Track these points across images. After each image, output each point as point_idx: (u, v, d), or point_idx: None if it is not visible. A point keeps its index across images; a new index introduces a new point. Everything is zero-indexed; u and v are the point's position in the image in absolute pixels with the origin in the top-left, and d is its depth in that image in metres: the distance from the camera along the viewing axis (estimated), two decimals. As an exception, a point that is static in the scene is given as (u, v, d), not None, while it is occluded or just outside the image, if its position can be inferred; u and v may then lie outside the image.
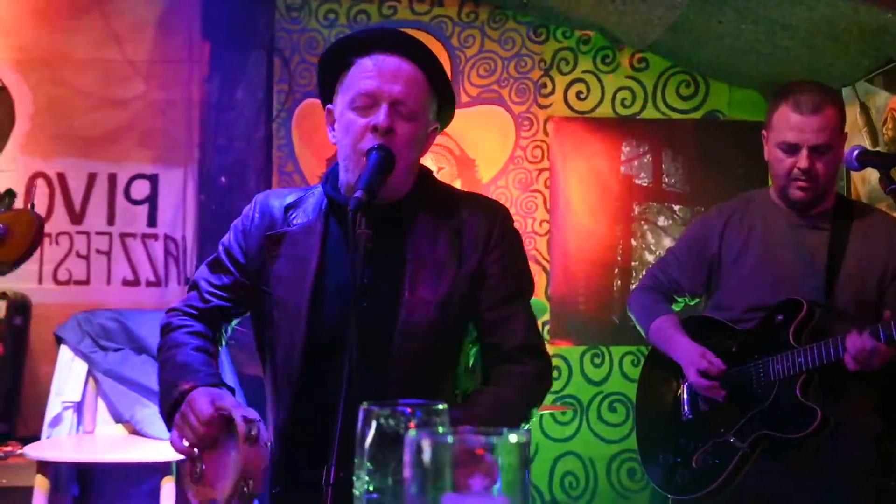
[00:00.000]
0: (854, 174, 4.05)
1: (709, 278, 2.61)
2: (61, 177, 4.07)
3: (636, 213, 4.42)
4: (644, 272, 3.28)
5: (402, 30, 1.86)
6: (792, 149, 2.38)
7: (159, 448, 3.28)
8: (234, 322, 1.97)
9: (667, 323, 2.59)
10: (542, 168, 4.39)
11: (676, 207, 4.44)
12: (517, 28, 4.39)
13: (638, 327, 2.71)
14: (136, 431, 3.45)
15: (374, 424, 1.15)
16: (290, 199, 1.91)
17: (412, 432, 0.84)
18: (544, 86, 4.40)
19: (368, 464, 1.15)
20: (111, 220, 4.09)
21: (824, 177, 2.39)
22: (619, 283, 4.36)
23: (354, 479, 1.16)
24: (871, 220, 2.47)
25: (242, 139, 4.18)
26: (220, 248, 1.93)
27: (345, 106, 1.77)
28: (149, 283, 4.09)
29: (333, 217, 1.85)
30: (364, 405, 1.16)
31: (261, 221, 1.89)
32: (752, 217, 2.54)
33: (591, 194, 4.40)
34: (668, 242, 4.25)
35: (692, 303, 2.72)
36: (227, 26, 4.13)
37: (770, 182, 2.59)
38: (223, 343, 1.96)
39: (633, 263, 4.37)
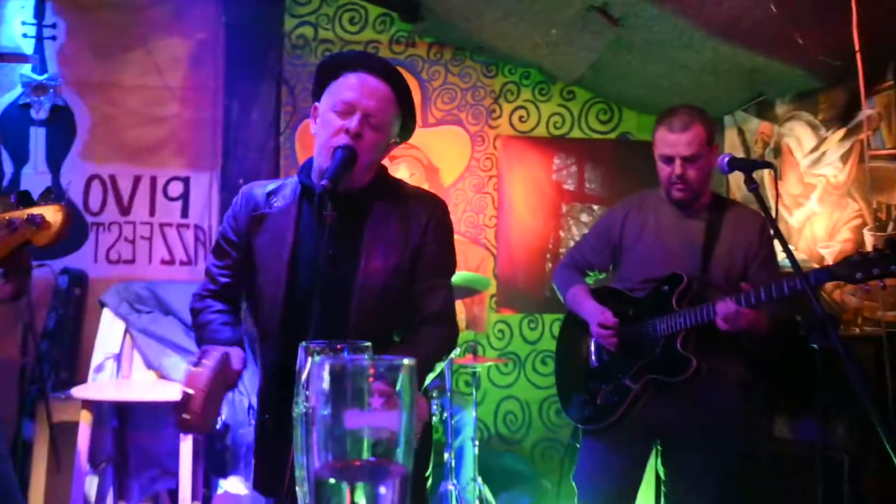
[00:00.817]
0: (732, 182, 4.02)
1: (613, 258, 2.55)
2: (113, 178, 3.99)
3: (564, 211, 4.37)
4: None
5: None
6: (668, 160, 2.34)
7: (180, 390, 3.19)
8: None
9: (579, 290, 2.53)
10: (492, 175, 4.32)
11: (596, 207, 4.39)
12: (473, 66, 4.32)
13: (558, 294, 2.65)
14: (163, 376, 3.36)
15: (310, 360, 1.07)
16: (271, 187, 1.86)
17: (317, 358, 0.75)
18: (494, 111, 4.33)
19: (306, 391, 1.08)
20: (152, 213, 4.03)
21: (697, 181, 2.33)
22: (550, 265, 4.30)
23: (294, 404, 1.08)
24: (740, 213, 2.42)
25: (256, 150, 4.11)
26: (218, 235, 1.89)
27: (328, 107, 1.73)
28: (182, 263, 4.03)
29: (306, 200, 1.80)
30: (303, 344, 1.08)
31: (246, 205, 1.84)
32: (646, 210, 2.48)
33: (529, 196, 4.34)
34: (589, 234, 4.21)
35: (601, 276, 2.66)
36: (244, 61, 4.07)
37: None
38: (241, 310, 1.92)
39: (561, 250, 4.31)
